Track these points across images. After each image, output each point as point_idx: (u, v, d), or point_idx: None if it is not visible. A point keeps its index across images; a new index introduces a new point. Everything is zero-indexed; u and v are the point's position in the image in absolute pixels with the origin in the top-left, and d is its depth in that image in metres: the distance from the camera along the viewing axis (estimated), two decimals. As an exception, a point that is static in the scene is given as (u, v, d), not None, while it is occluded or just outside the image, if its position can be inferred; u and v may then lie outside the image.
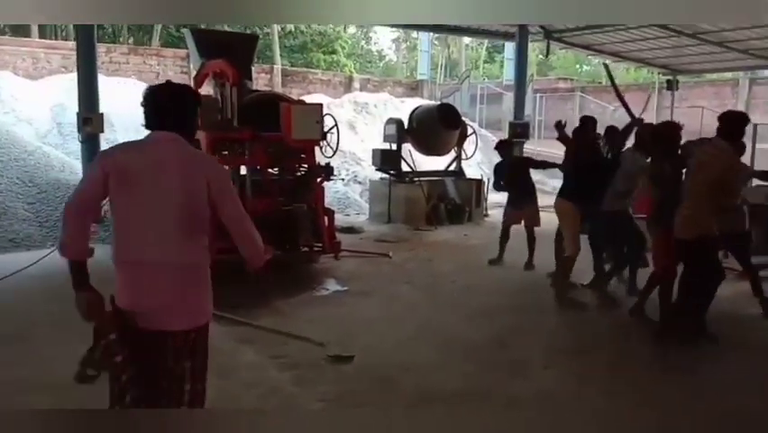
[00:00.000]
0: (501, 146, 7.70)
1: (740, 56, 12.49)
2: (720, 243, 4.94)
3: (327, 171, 6.91)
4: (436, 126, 10.21)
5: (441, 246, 8.68)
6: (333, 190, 11.71)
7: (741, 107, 19.68)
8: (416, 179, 10.52)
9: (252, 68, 8.55)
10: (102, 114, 8.81)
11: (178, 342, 2.46)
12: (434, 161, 11.48)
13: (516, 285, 6.53)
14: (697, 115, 17.91)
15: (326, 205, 7.41)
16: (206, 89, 7.53)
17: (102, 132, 8.82)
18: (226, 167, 4.64)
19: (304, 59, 28.36)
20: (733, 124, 4.66)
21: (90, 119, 8.55)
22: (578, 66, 36.97)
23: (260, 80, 19.79)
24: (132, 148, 2.54)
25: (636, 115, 5.72)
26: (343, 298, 6.08)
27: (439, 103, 13.18)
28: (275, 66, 22.03)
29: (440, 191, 10.68)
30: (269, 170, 6.95)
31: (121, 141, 8.82)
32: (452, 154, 11.17)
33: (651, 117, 20.39)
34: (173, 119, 2.50)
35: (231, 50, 7.19)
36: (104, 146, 8.00)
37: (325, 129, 7.03)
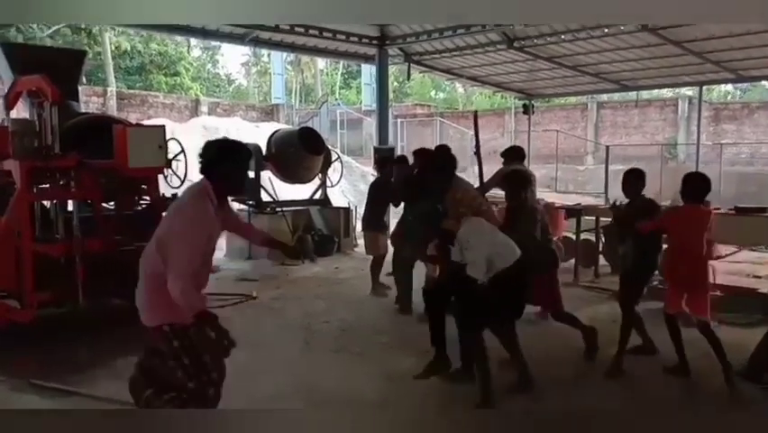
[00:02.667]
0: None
1: (592, 79, 13.43)
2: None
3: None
4: (299, 152, 9.85)
5: (310, 282, 8.25)
6: (182, 226, 10.87)
7: (591, 130, 21.47)
8: (279, 209, 10.05)
9: (80, 88, 7.77)
10: None
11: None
12: (297, 189, 11.05)
13: (396, 320, 6.27)
14: (552, 139, 19.25)
15: (175, 242, 6.74)
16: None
17: None
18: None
19: (143, 81, 26.90)
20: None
21: None
22: (433, 92, 38.57)
23: (92, 105, 18.38)
24: None
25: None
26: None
27: (300, 127, 12.81)
28: (109, 88, 20.56)
29: (305, 222, 10.27)
30: (103, 204, 6.20)
31: None
32: (317, 182, 10.84)
33: (509, 142, 21.61)
34: (202, 168, 3.14)
35: (51, 67, 6.40)
36: None
37: (171, 155, 6.44)
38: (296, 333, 5.86)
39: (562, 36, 10.78)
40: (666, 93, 22.18)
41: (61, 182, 5.91)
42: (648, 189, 5.18)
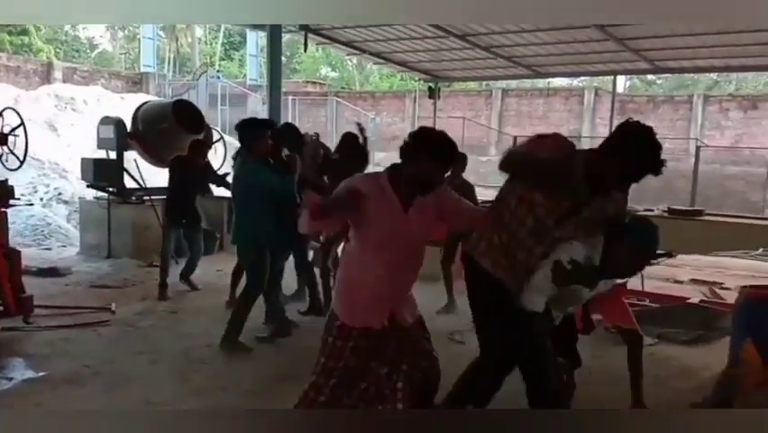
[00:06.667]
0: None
1: (504, 63, 13.15)
2: None
3: (4, 192, 5.16)
4: (172, 129, 8.76)
5: (186, 289, 7.29)
6: (26, 214, 9.52)
7: (495, 118, 21.57)
8: (147, 197, 8.94)
9: None
10: None
11: None
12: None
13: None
14: (455, 126, 19.04)
15: (11, 241, 5.69)
16: None
17: None
18: None
19: (-20, 40, 24.26)
20: None
21: None
22: (323, 69, 37.75)
23: None
24: None
25: None
26: (39, 390, 4.36)
27: (174, 99, 11.55)
28: (-65, 45, 18.11)
29: (179, 214, 9.21)
30: None
31: None
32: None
33: (410, 127, 21.25)
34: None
35: None
36: None
37: (4, 129, 5.40)
38: (170, 363, 4.90)
39: (481, 11, 10.33)
40: (570, 82, 22.71)
41: None
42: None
